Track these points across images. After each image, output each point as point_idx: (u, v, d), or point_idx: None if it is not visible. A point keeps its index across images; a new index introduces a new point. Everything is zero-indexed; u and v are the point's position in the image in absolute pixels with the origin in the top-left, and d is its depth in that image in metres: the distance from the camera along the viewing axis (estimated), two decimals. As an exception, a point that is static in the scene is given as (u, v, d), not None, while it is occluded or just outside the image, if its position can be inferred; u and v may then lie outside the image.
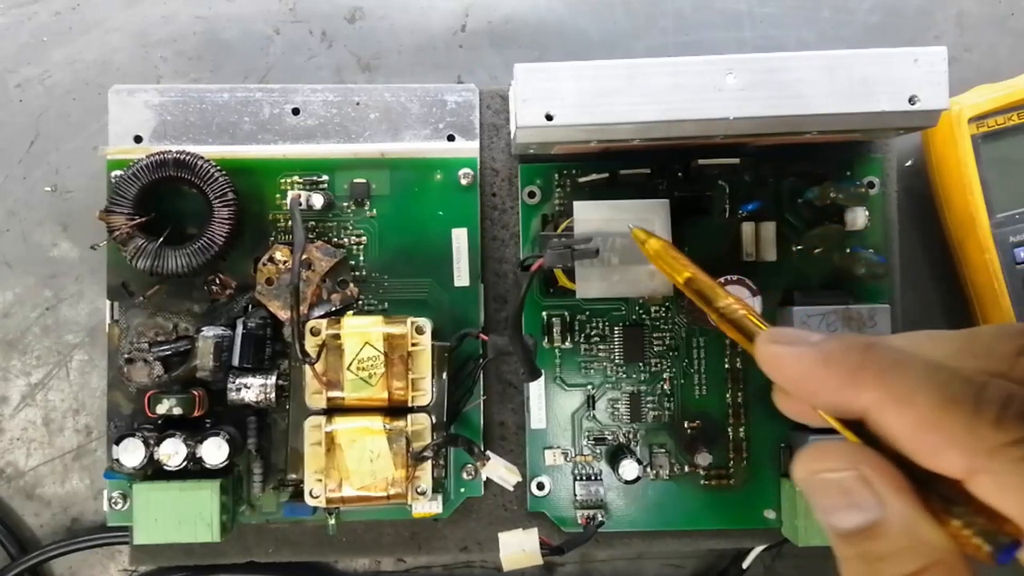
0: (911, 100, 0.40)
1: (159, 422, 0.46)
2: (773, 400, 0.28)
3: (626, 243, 0.44)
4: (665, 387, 0.50)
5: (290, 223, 0.49)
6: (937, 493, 0.22)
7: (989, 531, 0.21)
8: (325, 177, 0.50)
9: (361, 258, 0.50)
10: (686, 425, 0.50)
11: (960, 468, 0.21)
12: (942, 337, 0.25)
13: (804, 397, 0.25)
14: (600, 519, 0.49)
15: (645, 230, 0.40)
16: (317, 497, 0.43)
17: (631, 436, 0.50)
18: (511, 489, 0.48)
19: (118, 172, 0.47)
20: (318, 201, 0.48)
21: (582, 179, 0.50)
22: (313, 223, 0.49)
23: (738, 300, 0.30)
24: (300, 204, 0.48)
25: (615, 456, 0.48)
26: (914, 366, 0.22)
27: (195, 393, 0.46)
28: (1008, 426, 0.21)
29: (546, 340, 0.50)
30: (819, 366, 0.24)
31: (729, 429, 0.50)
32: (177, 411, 0.45)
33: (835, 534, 0.23)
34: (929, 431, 0.22)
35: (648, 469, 0.49)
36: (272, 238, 0.49)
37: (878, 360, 0.23)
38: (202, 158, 0.46)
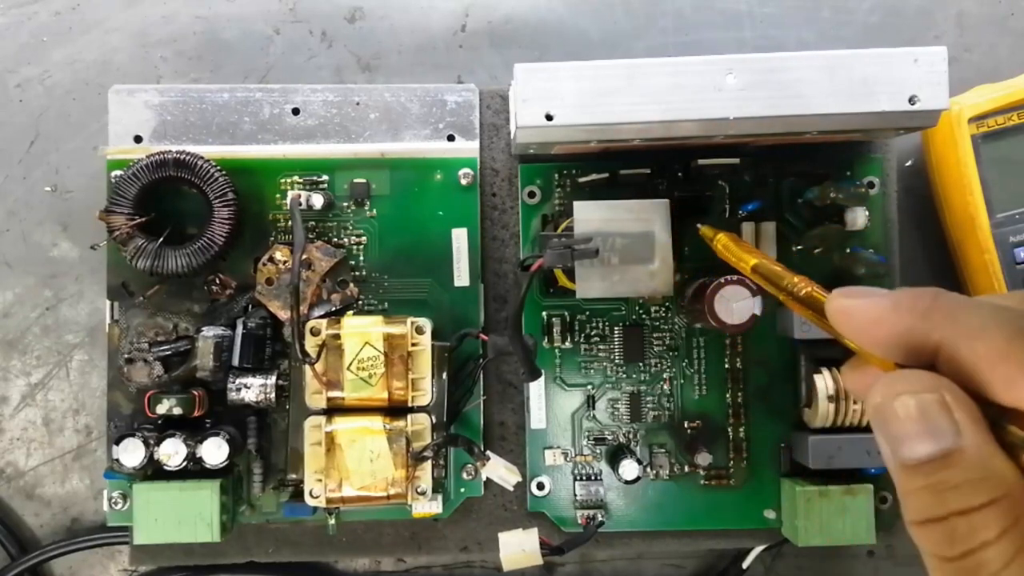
0: (911, 100, 0.40)
1: (159, 422, 0.46)
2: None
3: (626, 243, 0.44)
4: (665, 387, 0.50)
5: (290, 223, 0.49)
6: (1009, 430, 0.22)
7: None
8: (325, 177, 0.50)
9: (361, 258, 0.50)
10: (686, 425, 0.50)
11: None
12: (996, 296, 0.26)
13: (876, 345, 0.25)
14: (600, 519, 0.49)
15: (711, 227, 0.43)
16: (317, 497, 0.43)
17: (631, 436, 0.50)
18: (511, 489, 0.48)
19: (118, 172, 0.47)
20: (318, 201, 0.48)
21: (582, 179, 0.50)
22: (313, 223, 0.49)
23: (803, 278, 0.31)
24: (300, 204, 0.48)
25: (615, 456, 0.48)
26: (983, 304, 0.23)
27: (195, 393, 0.46)
28: None
29: (546, 340, 0.50)
30: (890, 311, 0.24)
31: (729, 429, 0.50)
32: (177, 411, 0.45)
33: (903, 466, 0.23)
34: (1002, 361, 0.22)
35: (648, 469, 0.49)
36: (272, 238, 0.49)
37: (948, 302, 0.24)
38: (202, 158, 0.46)
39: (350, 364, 0.44)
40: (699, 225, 0.44)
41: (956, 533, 0.22)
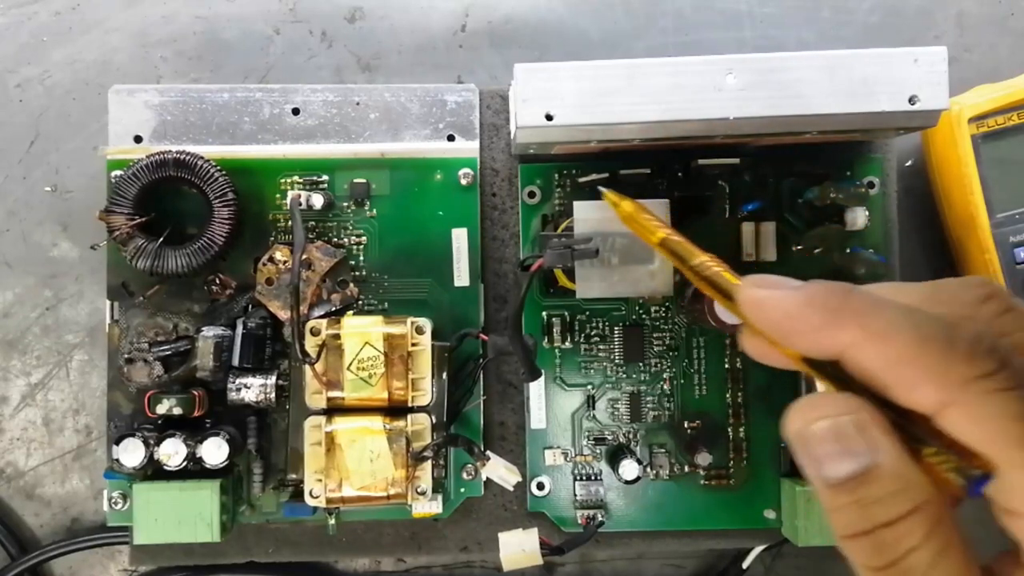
0: (911, 100, 0.40)
1: (159, 422, 0.46)
2: (740, 343, 0.29)
3: (626, 243, 0.44)
4: (665, 387, 0.50)
5: (290, 223, 0.49)
6: (910, 432, 0.23)
7: (961, 466, 0.22)
8: (325, 177, 0.50)
9: (361, 258, 0.50)
10: (686, 425, 0.50)
11: (934, 401, 0.22)
12: (909, 287, 0.26)
13: (785, 338, 0.26)
14: (600, 519, 0.49)
15: (616, 192, 0.40)
16: (317, 497, 0.43)
17: (631, 436, 0.50)
18: (511, 489, 0.48)
19: (118, 172, 0.47)
20: (318, 201, 0.48)
21: (582, 179, 0.50)
22: (313, 223, 0.49)
23: (712, 257, 0.30)
24: (300, 204, 0.48)
25: (615, 456, 0.48)
26: (892, 307, 0.24)
27: (195, 393, 0.46)
28: (979, 361, 0.22)
29: (546, 340, 0.50)
30: (802, 307, 0.25)
31: (729, 429, 0.50)
32: (177, 411, 0.45)
33: (827, 486, 0.23)
34: (906, 365, 0.23)
35: (648, 469, 0.49)
36: (272, 238, 0.49)
37: (858, 301, 0.24)
38: (202, 158, 0.46)
39: (350, 364, 0.44)
40: (601, 188, 0.41)
41: (883, 544, 0.22)
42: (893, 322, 0.23)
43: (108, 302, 0.48)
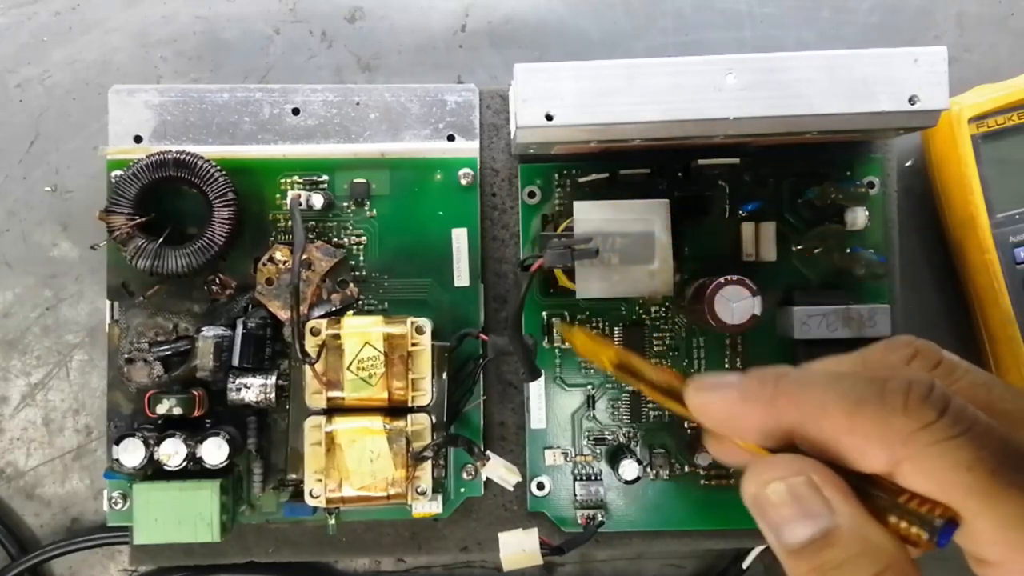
0: (911, 100, 0.40)
1: (159, 422, 0.46)
2: (705, 446, 0.29)
3: (626, 243, 0.44)
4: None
5: (290, 223, 0.49)
6: (873, 495, 0.23)
7: (924, 518, 0.22)
8: (325, 177, 0.50)
9: (361, 258, 0.50)
10: (686, 425, 0.50)
11: (884, 462, 0.22)
12: (839, 359, 0.27)
13: (735, 435, 0.26)
14: (600, 519, 0.49)
15: (566, 324, 0.44)
16: (317, 497, 0.43)
17: (631, 436, 0.50)
18: (511, 489, 0.48)
19: (118, 172, 0.47)
20: (318, 201, 0.48)
21: (582, 179, 0.50)
22: (313, 223, 0.49)
23: (663, 369, 0.30)
24: (300, 204, 0.48)
25: (615, 456, 0.48)
26: (819, 381, 0.24)
27: (195, 393, 0.46)
28: (915, 412, 0.22)
29: (546, 340, 0.50)
30: (740, 404, 0.25)
31: (729, 429, 0.50)
32: (177, 411, 0.45)
33: (788, 552, 0.23)
34: (846, 434, 0.23)
35: (648, 469, 0.49)
36: (272, 238, 0.49)
37: (788, 385, 0.24)
38: (202, 158, 0.46)
39: (350, 364, 0.44)
40: (556, 321, 0.47)
41: None
42: (824, 395, 0.23)
43: (108, 302, 0.48)
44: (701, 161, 0.48)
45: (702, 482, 0.50)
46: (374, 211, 0.50)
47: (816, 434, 0.24)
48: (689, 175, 0.50)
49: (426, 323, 0.45)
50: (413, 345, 0.44)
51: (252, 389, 0.46)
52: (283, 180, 0.49)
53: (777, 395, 0.24)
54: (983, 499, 0.21)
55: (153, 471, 0.46)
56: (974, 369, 0.25)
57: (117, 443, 0.45)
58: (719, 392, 0.26)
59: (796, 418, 0.24)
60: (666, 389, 0.30)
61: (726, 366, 0.50)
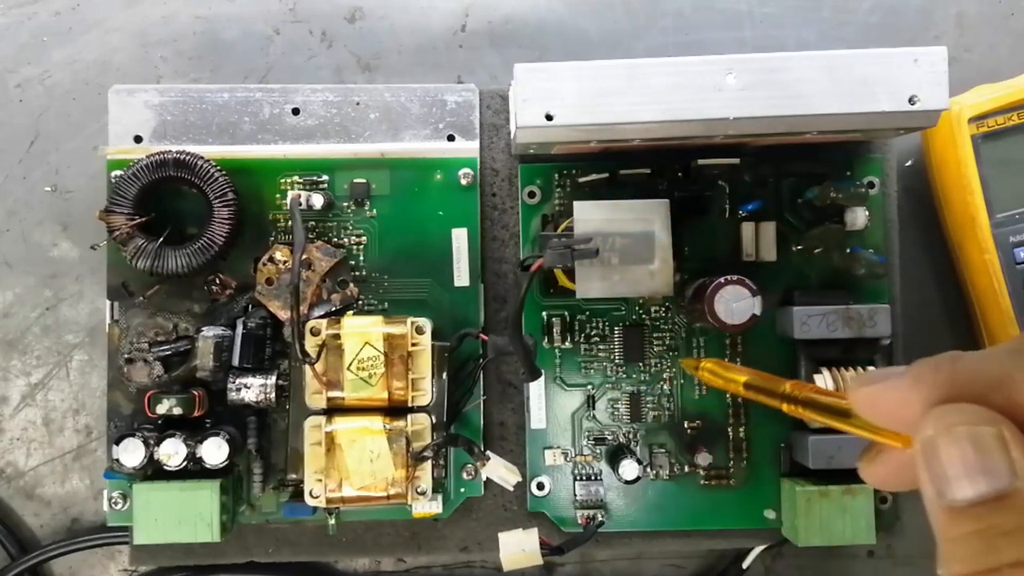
0: (911, 100, 0.40)
1: (159, 422, 0.46)
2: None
3: (626, 243, 0.44)
4: (665, 387, 0.50)
5: (290, 223, 0.49)
6: None
7: None
8: (325, 177, 0.50)
9: (361, 258, 0.50)
10: (686, 425, 0.50)
11: None
12: (1012, 341, 0.24)
13: (908, 425, 0.24)
14: (600, 519, 0.49)
15: (691, 358, 0.46)
16: (317, 497, 0.43)
17: (631, 436, 0.50)
18: (511, 489, 0.48)
19: (118, 172, 0.47)
20: (318, 201, 0.48)
21: (582, 179, 0.50)
22: (313, 223, 0.49)
23: (795, 382, 0.30)
24: (300, 204, 0.48)
25: (615, 456, 0.48)
26: (1001, 352, 0.22)
27: (195, 393, 0.46)
28: None
29: (546, 340, 0.50)
30: (913, 389, 0.23)
31: (729, 429, 0.50)
32: (177, 411, 0.45)
33: (948, 509, 0.21)
34: None
35: (648, 469, 0.49)
36: (272, 238, 0.49)
37: (968, 362, 0.22)
38: (202, 158, 0.46)
39: (350, 364, 0.44)
40: (680, 361, 0.47)
41: None
42: (1012, 362, 0.22)
43: (108, 302, 0.48)
44: (701, 161, 0.48)
45: (702, 482, 0.50)
46: (374, 211, 0.50)
47: (1005, 408, 0.21)
48: (689, 175, 0.50)
49: (426, 323, 0.45)
50: (413, 345, 0.44)
51: (252, 389, 0.46)
52: (283, 180, 0.49)
53: (956, 373, 0.22)
54: None
55: (153, 471, 0.46)
56: None
57: (117, 443, 0.45)
58: (888, 381, 0.24)
59: (980, 394, 0.21)
60: (807, 400, 0.28)
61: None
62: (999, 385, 0.21)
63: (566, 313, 0.50)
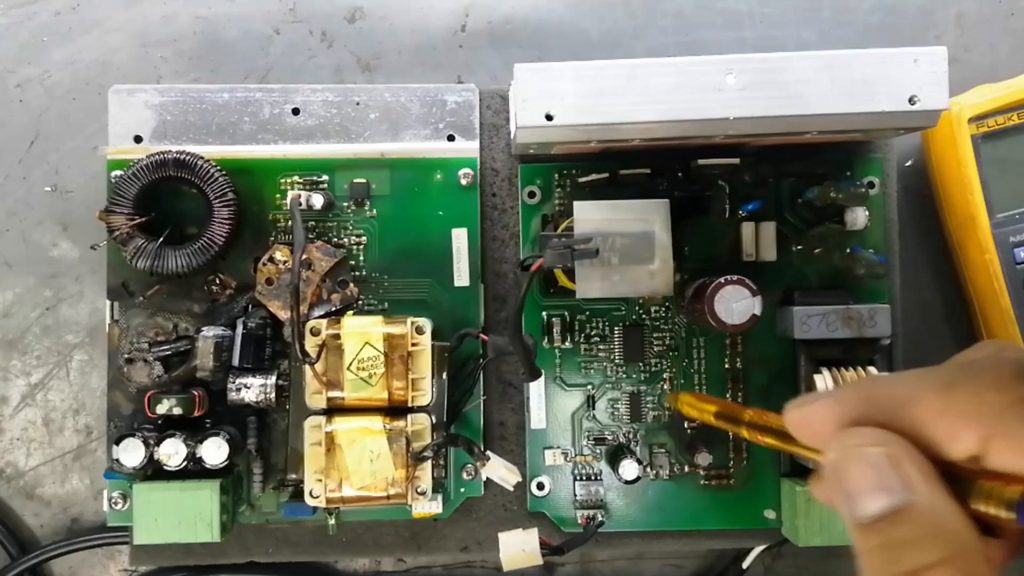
0: (911, 100, 0.40)
1: (159, 422, 0.46)
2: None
3: (626, 243, 0.44)
4: (665, 387, 0.50)
5: (290, 223, 0.49)
6: (958, 480, 0.23)
7: (1004, 494, 0.22)
8: (325, 177, 0.50)
9: (361, 258, 0.50)
10: (686, 425, 0.50)
11: (976, 441, 0.22)
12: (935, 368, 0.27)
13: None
14: (600, 519, 0.49)
15: (671, 393, 0.49)
16: (317, 497, 0.43)
17: (631, 436, 0.50)
18: (511, 489, 0.48)
19: (118, 172, 0.47)
20: (318, 201, 0.48)
21: (582, 179, 0.50)
22: (313, 223, 0.49)
23: (756, 410, 0.33)
24: (300, 204, 0.48)
25: (615, 456, 0.48)
26: (912, 374, 0.24)
27: (195, 393, 0.46)
28: (1007, 387, 0.22)
29: (546, 340, 0.50)
30: (835, 408, 0.25)
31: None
32: (177, 411, 0.45)
33: (858, 524, 0.23)
34: (940, 417, 0.23)
35: (648, 469, 0.49)
36: (272, 238, 0.49)
37: (882, 383, 0.25)
38: (202, 158, 0.46)
39: (350, 364, 0.44)
40: (666, 396, 0.49)
41: None
42: (917, 384, 0.24)
43: (108, 302, 0.48)
44: (701, 161, 0.48)
45: (702, 482, 0.50)
46: (374, 211, 0.50)
47: (910, 424, 0.23)
48: (689, 175, 0.50)
49: (426, 323, 0.45)
50: (413, 345, 0.44)
51: (252, 389, 0.46)
52: (283, 180, 0.49)
53: (872, 393, 0.24)
54: None
55: (153, 471, 0.46)
56: None
57: (117, 443, 0.45)
58: (815, 402, 0.26)
59: (890, 411, 0.24)
60: (763, 425, 0.31)
61: (726, 366, 0.50)
62: (907, 404, 0.23)
63: (566, 313, 0.50)
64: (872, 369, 0.46)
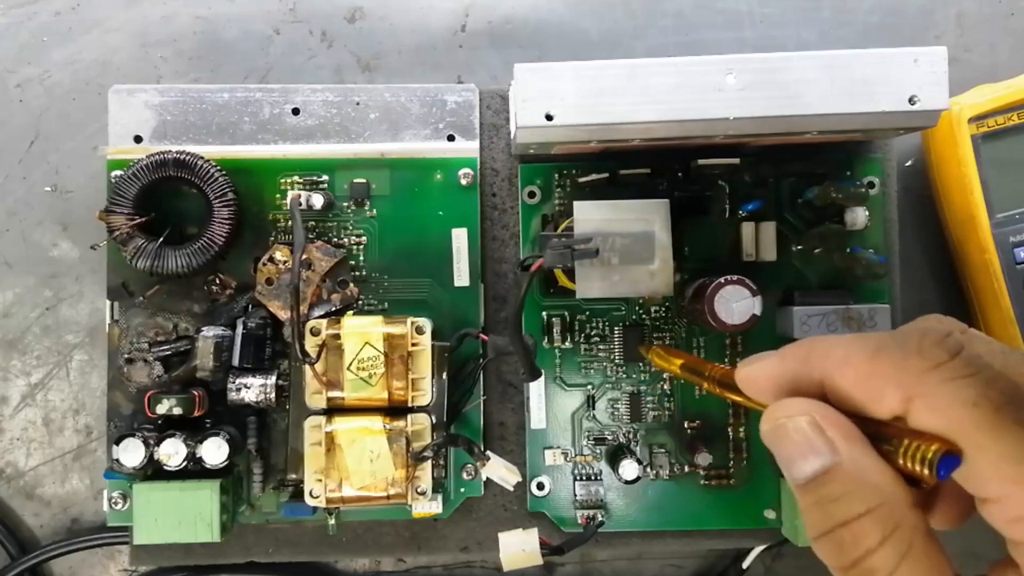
0: (911, 100, 0.40)
1: (159, 422, 0.46)
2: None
3: (626, 243, 0.44)
4: (665, 387, 0.50)
5: (290, 223, 0.49)
6: (884, 438, 0.25)
7: (924, 452, 0.23)
8: (325, 177, 0.50)
9: (361, 258, 0.50)
10: (686, 425, 0.50)
11: (899, 402, 0.24)
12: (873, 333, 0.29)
13: (775, 396, 0.28)
14: (600, 519, 0.49)
15: (644, 347, 0.49)
16: (317, 497, 0.43)
17: (631, 436, 0.50)
18: (511, 489, 0.48)
19: (118, 172, 0.47)
20: (318, 201, 0.48)
21: (582, 179, 0.50)
22: (313, 223, 0.49)
23: (717, 365, 0.35)
24: (300, 204, 0.48)
25: (615, 456, 0.48)
26: (846, 338, 0.27)
27: (195, 393, 0.46)
28: (929, 353, 0.24)
29: (546, 340, 0.50)
30: (778, 365, 0.28)
31: (729, 429, 0.50)
32: (177, 411, 0.45)
33: (797, 486, 0.25)
34: (869, 378, 0.25)
35: (648, 469, 0.49)
36: (272, 238, 0.49)
37: (821, 343, 0.27)
38: (202, 158, 0.46)
39: (350, 364, 0.44)
40: (640, 348, 0.49)
41: (843, 543, 0.24)
42: (849, 346, 0.26)
43: (108, 302, 0.48)
44: (701, 161, 0.48)
45: (702, 482, 0.50)
46: (374, 211, 0.50)
47: (842, 384, 0.25)
48: (689, 175, 0.50)
49: (426, 323, 0.45)
50: (413, 345, 0.44)
51: (252, 389, 0.46)
52: (283, 180, 0.49)
53: (811, 351, 0.27)
54: (986, 433, 0.22)
55: (153, 471, 0.46)
56: (995, 341, 0.26)
57: (117, 443, 0.45)
58: (761, 360, 0.29)
59: (826, 370, 0.26)
60: (721, 378, 0.34)
61: (726, 365, 0.50)
62: (841, 365, 0.26)
63: (566, 313, 0.50)
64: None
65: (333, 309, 0.48)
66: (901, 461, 0.24)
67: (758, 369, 0.29)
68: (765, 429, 0.27)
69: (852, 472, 0.24)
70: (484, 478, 0.48)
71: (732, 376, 0.31)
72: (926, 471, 0.23)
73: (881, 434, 0.25)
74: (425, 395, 0.44)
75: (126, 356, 0.47)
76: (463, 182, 0.50)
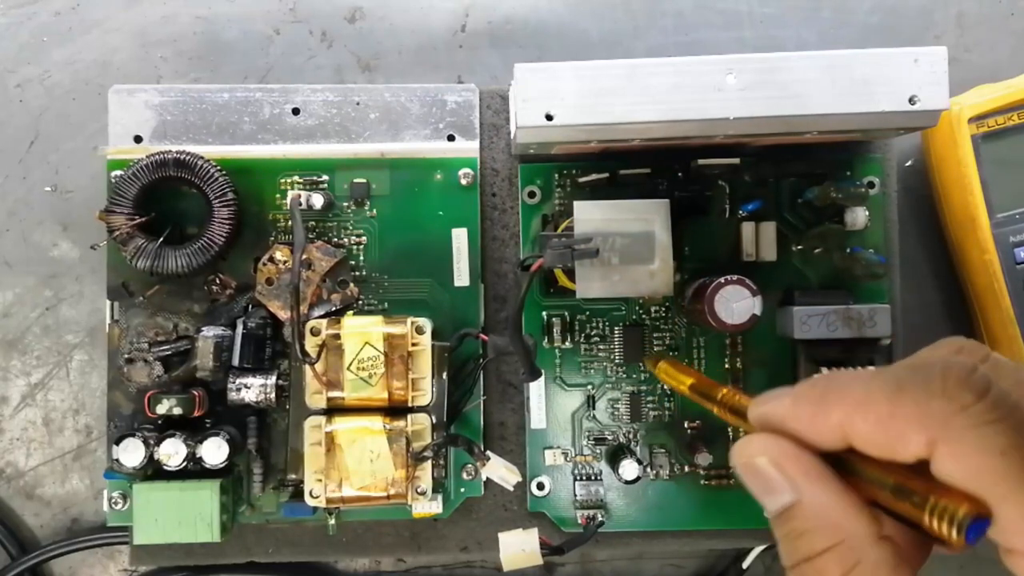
0: (911, 100, 0.40)
1: (159, 422, 0.46)
2: None
3: (626, 243, 0.44)
4: (665, 387, 0.50)
5: (290, 223, 0.49)
6: (912, 495, 0.23)
7: (955, 514, 0.22)
8: (325, 177, 0.50)
9: (361, 258, 0.50)
10: (686, 425, 0.50)
11: (923, 447, 0.23)
12: (889, 367, 0.27)
13: (796, 436, 0.27)
14: (600, 519, 0.49)
15: (651, 358, 0.48)
16: (317, 497, 0.43)
17: (631, 436, 0.50)
18: (511, 489, 0.48)
19: (118, 172, 0.47)
20: (318, 201, 0.48)
21: (582, 179, 0.50)
22: (313, 223, 0.49)
23: (731, 389, 0.34)
24: (300, 204, 0.48)
25: (615, 456, 0.48)
26: (864, 375, 0.25)
27: (195, 393, 0.46)
28: (953, 394, 0.22)
29: (546, 340, 0.50)
30: (793, 407, 0.26)
31: (729, 429, 0.50)
32: (177, 411, 0.45)
33: (770, 519, 0.26)
34: (890, 420, 0.23)
35: (648, 469, 0.49)
36: (272, 238, 0.49)
37: (835, 382, 0.25)
38: (202, 158, 0.46)
39: (350, 364, 0.44)
40: (644, 358, 0.49)
41: None
42: (868, 385, 0.24)
43: (108, 302, 0.48)
44: (701, 161, 0.48)
45: (702, 482, 0.50)
46: (374, 211, 0.50)
47: (862, 427, 0.24)
48: (689, 175, 0.50)
49: (426, 323, 0.45)
50: (413, 345, 0.44)
51: (252, 389, 0.46)
52: (283, 180, 0.49)
53: (827, 391, 0.25)
54: (1013, 484, 0.21)
55: (153, 471, 0.46)
56: (1022, 367, 0.25)
57: (117, 443, 0.45)
58: (775, 400, 0.27)
59: (844, 413, 0.24)
60: (733, 407, 0.33)
61: (726, 366, 0.50)
62: (861, 406, 0.24)
63: (566, 313, 0.50)
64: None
65: (333, 309, 0.48)
66: (927, 519, 0.22)
67: (772, 411, 0.27)
68: (734, 464, 0.27)
69: (812, 510, 0.24)
70: (484, 478, 0.48)
71: (744, 406, 0.31)
72: (954, 534, 0.21)
73: (905, 488, 0.23)
74: (425, 395, 0.44)
75: (126, 356, 0.47)
76: (463, 182, 0.50)
